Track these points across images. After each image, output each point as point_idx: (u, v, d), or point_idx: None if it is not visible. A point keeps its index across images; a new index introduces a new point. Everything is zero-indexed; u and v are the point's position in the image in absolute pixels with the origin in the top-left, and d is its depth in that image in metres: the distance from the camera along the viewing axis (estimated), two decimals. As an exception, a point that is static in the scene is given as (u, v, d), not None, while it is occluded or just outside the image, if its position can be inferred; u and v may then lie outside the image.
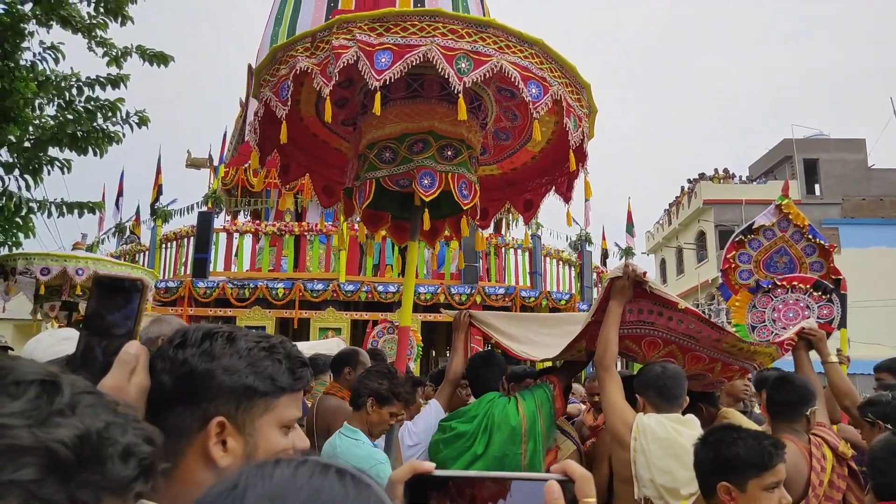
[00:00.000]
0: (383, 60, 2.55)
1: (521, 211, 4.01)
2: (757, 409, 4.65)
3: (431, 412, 3.57)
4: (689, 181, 30.02)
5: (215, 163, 13.05)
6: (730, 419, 3.22)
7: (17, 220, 6.31)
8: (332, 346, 6.60)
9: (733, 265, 6.37)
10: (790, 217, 6.27)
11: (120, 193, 13.38)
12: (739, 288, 6.48)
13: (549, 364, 4.13)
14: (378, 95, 2.58)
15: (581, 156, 3.01)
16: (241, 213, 13.34)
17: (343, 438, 2.79)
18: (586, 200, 3.17)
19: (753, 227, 6.33)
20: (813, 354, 3.50)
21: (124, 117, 6.61)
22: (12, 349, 5.96)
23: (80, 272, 6.48)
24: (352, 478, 0.57)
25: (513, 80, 2.66)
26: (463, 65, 2.57)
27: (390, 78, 2.56)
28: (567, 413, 4.36)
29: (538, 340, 3.63)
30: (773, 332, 4.74)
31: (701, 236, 28.84)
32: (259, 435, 0.95)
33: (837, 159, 26.74)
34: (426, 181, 2.89)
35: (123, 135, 6.63)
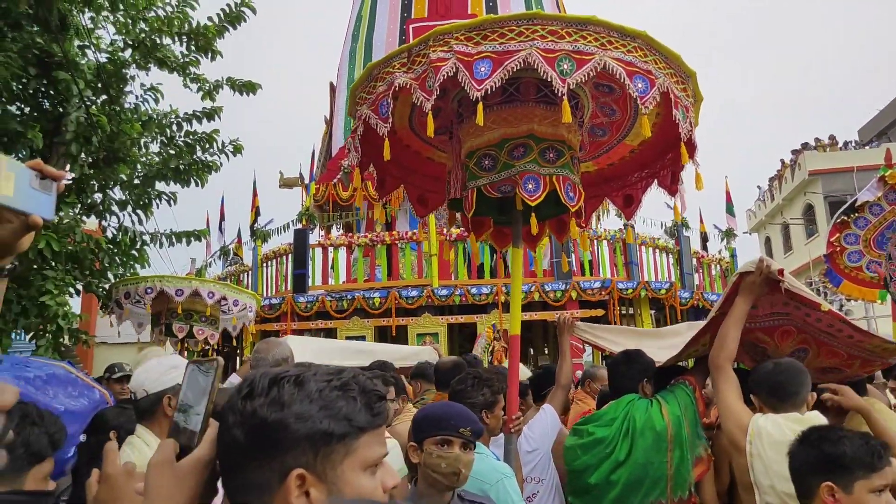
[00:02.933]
0: (483, 69, 2.49)
1: (621, 207, 3.85)
2: None
3: (547, 417, 3.49)
4: (792, 153, 28.21)
5: (306, 181, 13.48)
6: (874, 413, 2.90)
7: (133, 252, 6.73)
8: (426, 354, 6.62)
9: (839, 248, 5.81)
10: (898, 188, 5.65)
11: (222, 218, 14.10)
12: (849, 272, 5.93)
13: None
14: (480, 106, 2.52)
15: (691, 147, 2.84)
16: (334, 227, 13.70)
17: None
18: (698, 191, 2.96)
19: (857, 204, 5.75)
20: None
21: (220, 147, 6.92)
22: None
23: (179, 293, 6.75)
24: None
25: (618, 76, 2.55)
26: (565, 66, 2.49)
27: (491, 87, 2.49)
28: None
29: (650, 349, 3.44)
30: None
31: (809, 210, 27.04)
32: (342, 481, 0.89)
33: (960, 113, 24.30)
34: (530, 185, 2.80)
35: (221, 164, 6.95)
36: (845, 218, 5.66)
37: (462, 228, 3.57)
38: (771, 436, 2.34)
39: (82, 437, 3.21)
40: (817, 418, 2.39)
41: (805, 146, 27.35)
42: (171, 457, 0.96)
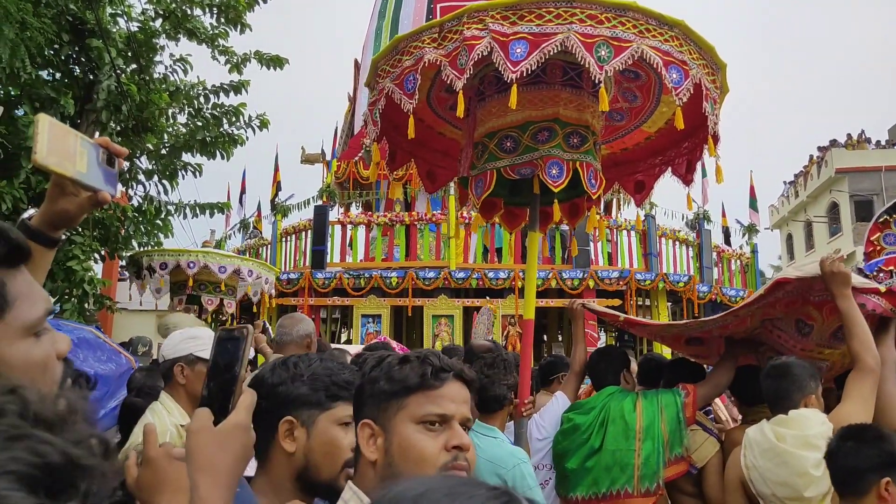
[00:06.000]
0: (518, 51, 2.44)
1: (632, 192, 3.81)
2: None
3: (558, 404, 3.48)
4: (819, 149, 27.69)
5: (328, 157, 13.55)
6: None
7: (158, 221, 6.84)
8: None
9: (878, 247, 5.71)
10: (943, 189, 5.52)
11: (243, 191, 14.23)
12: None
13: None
14: (515, 89, 2.48)
15: (715, 140, 2.82)
16: (354, 204, 13.77)
17: (481, 437, 2.70)
18: (718, 183, 2.96)
19: (900, 204, 5.68)
20: None
21: (247, 121, 6.98)
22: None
23: (195, 265, 6.86)
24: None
25: (654, 65, 2.51)
26: (603, 52, 2.44)
27: (527, 69, 2.45)
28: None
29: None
30: None
31: (833, 208, 26.60)
32: (394, 431, 1.19)
33: None
34: (554, 171, 2.78)
35: (247, 137, 7.02)
36: (887, 217, 5.57)
37: (471, 206, 3.56)
38: (759, 444, 2.36)
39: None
40: (801, 417, 2.35)
41: (833, 143, 26.83)
42: (209, 423, 0.99)
